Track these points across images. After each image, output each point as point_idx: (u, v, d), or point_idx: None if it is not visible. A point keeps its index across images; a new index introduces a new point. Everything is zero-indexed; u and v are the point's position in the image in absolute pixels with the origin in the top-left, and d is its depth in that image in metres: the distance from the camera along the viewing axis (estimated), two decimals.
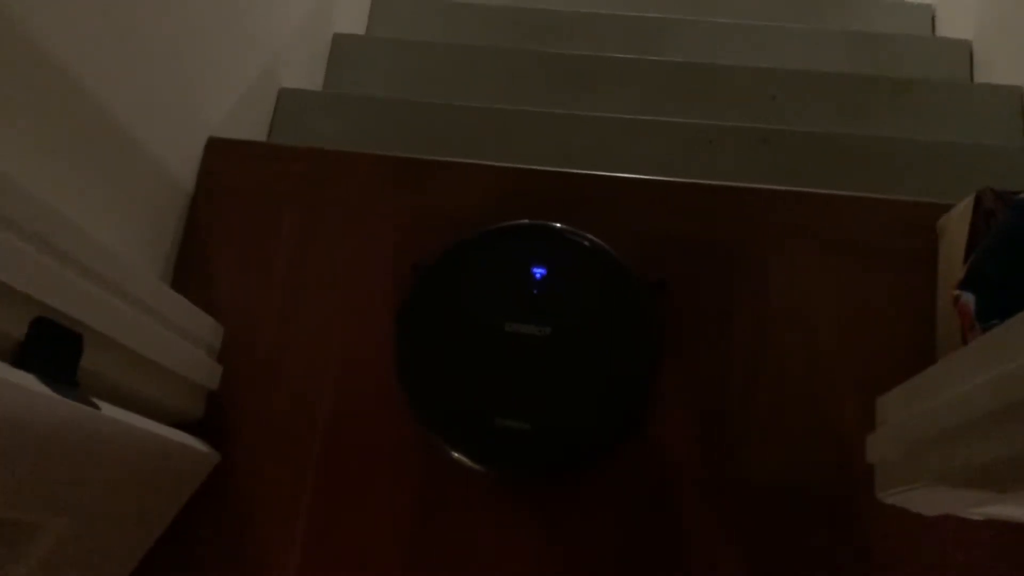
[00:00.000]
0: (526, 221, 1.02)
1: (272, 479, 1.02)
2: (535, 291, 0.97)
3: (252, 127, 1.31)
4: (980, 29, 1.76)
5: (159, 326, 0.88)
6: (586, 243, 1.00)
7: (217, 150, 1.13)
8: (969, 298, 0.89)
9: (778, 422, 1.01)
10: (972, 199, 0.97)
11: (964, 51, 1.77)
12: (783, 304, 1.04)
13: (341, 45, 1.63)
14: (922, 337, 1.02)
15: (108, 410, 0.73)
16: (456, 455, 0.94)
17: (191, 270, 1.09)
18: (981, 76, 1.71)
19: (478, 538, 0.99)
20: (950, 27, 1.91)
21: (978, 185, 1.29)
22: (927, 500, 0.87)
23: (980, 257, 0.90)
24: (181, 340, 0.94)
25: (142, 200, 1.01)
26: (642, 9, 2.00)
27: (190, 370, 0.96)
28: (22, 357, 0.66)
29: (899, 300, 1.03)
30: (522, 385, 0.95)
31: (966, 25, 1.82)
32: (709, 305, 1.04)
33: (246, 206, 1.11)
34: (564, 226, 1.01)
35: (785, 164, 1.32)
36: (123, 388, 0.83)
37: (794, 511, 0.98)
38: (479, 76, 1.61)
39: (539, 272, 0.98)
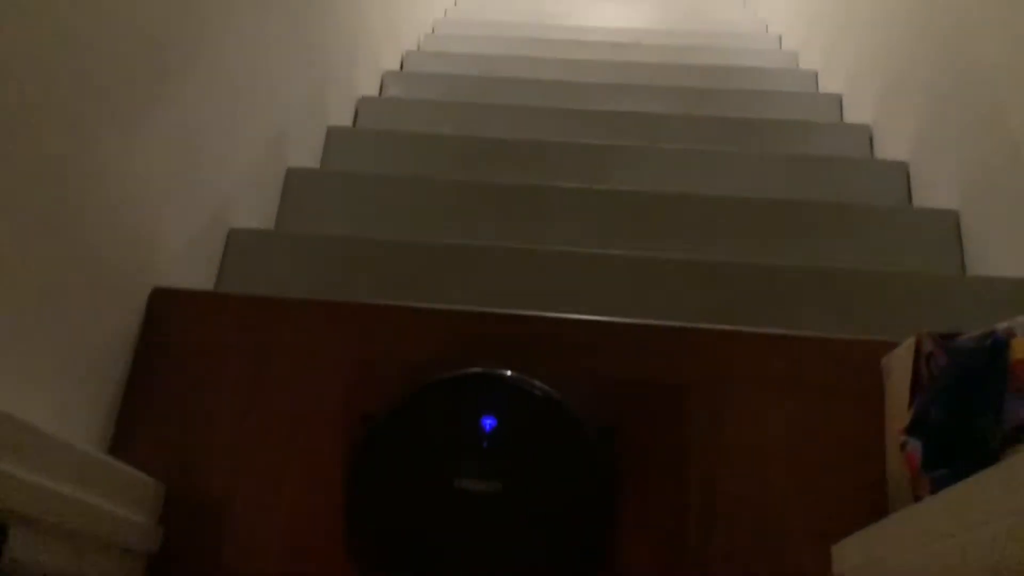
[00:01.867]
0: (478, 370, 1.01)
1: None
2: (485, 444, 0.96)
3: (201, 271, 1.31)
4: (914, 151, 1.83)
5: (94, 498, 0.84)
6: (537, 392, 0.99)
7: (162, 300, 1.12)
8: (915, 445, 0.89)
9: (735, 568, 0.99)
10: (912, 341, 0.98)
11: (902, 172, 1.83)
12: (736, 446, 1.04)
13: (294, 179, 1.64)
14: (875, 476, 1.02)
15: None
16: None
17: (134, 425, 1.06)
18: (919, 196, 1.77)
19: None
20: (886, 148, 1.98)
21: (921, 314, 1.32)
22: None
23: (924, 405, 0.91)
24: (118, 508, 0.90)
25: (82, 355, 0.99)
26: (589, 136, 2.05)
27: (128, 538, 0.93)
28: None
29: (851, 440, 1.04)
30: (473, 543, 0.93)
31: (901, 146, 1.89)
32: (663, 449, 1.04)
33: (191, 357, 1.09)
34: (514, 374, 1.00)
35: (734, 297, 1.34)
36: (55, 569, 0.79)
37: None
38: (432, 209, 1.63)
39: (489, 424, 0.97)
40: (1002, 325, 0.94)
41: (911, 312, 1.30)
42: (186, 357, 1.09)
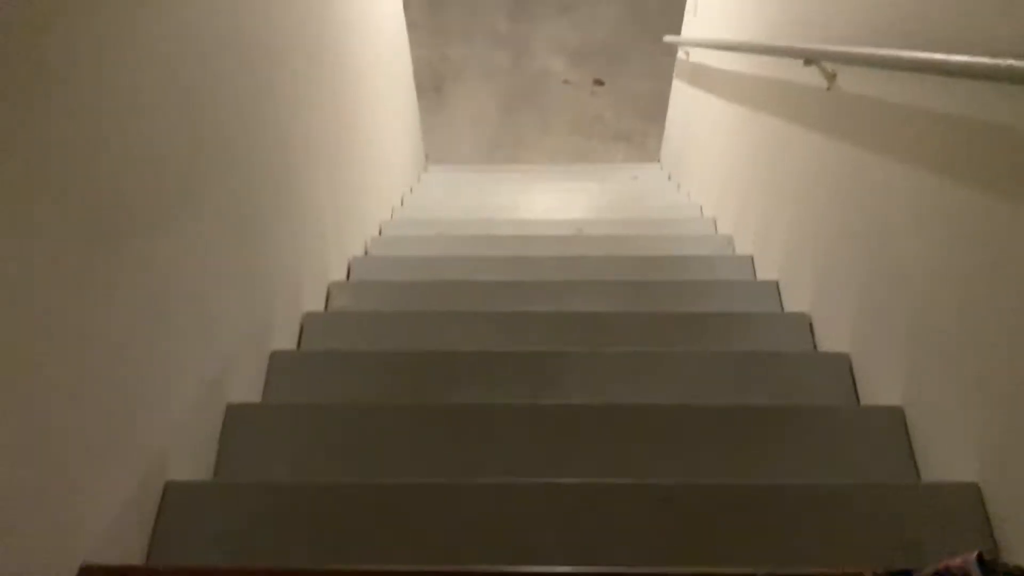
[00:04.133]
0: None
1: None
2: None
3: (136, 533, 1.24)
4: (854, 342, 1.86)
5: None
6: None
7: None
8: None
9: None
10: None
11: (845, 364, 1.85)
12: None
13: (234, 417, 1.60)
14: None
15: None
16: None
17: None
18: (864, 389, 1.78)
19: None
20: (827, 337, 2.02)
21: (876, 527, 1.30)
22: None
23: None
24: None
25: None
26: (535, 341, 2.07)
27: None
28: None
29: None
30: None
31: (842, 337, 1.92)
32: None
33: None
34: None
35: (688, 520, 1.31)
36: None
37: None
38: (375, 438, 1.59)
39: None
40: (955, 560, 0.92)
41: (866, 525, 1.28)
42: None
